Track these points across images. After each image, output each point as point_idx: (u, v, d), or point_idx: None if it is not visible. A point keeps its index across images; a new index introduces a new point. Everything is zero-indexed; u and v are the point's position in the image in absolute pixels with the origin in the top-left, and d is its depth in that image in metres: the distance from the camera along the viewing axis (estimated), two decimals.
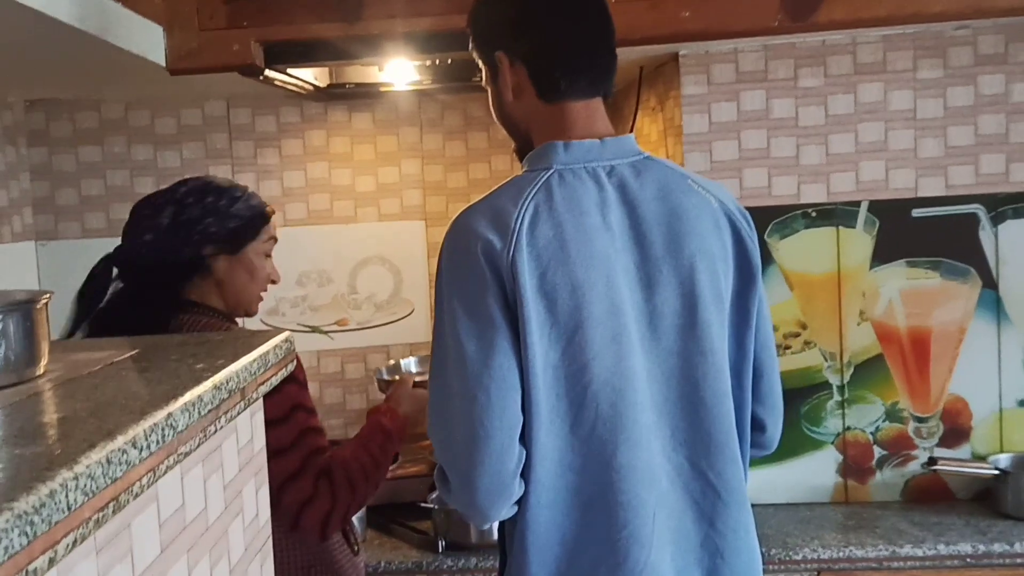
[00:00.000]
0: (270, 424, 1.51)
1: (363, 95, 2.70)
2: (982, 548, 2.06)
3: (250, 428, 1.09)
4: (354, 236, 2.80)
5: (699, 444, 1.37)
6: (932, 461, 2.27)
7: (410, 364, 2.47)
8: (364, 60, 2.29)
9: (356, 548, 1.79)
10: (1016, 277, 2.31)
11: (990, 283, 2.32)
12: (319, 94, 2.59)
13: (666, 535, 1.35)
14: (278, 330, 1.20)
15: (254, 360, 0.98)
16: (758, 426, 1.49)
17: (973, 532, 2.12)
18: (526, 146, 1.45)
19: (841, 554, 2.07)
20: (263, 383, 1.02)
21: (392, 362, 2.53)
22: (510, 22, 1.43)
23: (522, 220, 1.30)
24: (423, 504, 2.17)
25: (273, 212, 1.81)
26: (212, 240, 1.69)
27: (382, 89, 2.60)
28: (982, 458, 2.32)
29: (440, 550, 2.11)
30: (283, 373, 1.12)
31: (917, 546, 2.07)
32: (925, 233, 2.33)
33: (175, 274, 1.68)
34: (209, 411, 0.82)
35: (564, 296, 1.30)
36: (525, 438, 1.31)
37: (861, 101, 2.34)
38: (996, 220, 2.32)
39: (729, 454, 1.38)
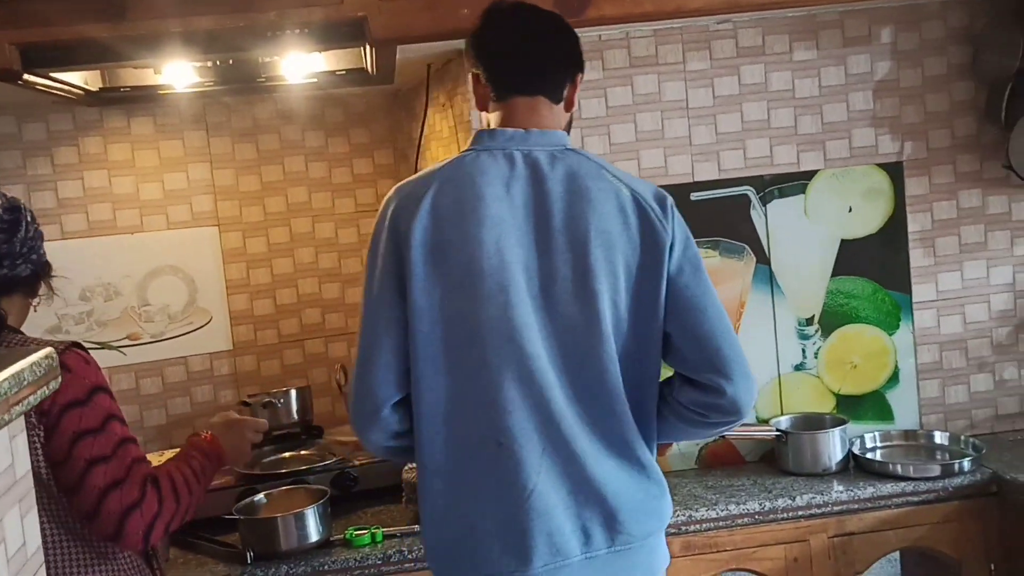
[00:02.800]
0: (86, 433, 1.51)
1: (141, 99, 2.58)
2: (768, 505, 2.21)
3: (9, 452, 1.02)
4: (142, 246, 2.68)
5: (587, 397, 1.54)
6: None
7: None
8: (135, 62, 2.20)
9: (158, 573, 1.72)
10: (784, 252, 2.50)
11: (763, 259, 2.49)
12: (92, 99, 2.46)
13: (559, 468, 1.51)
14: (40, 346, 1.16)
15: (5, 379, 0.93)
16: (716, 391, 1.60)
17: (760, 491, 2.28)
18: None
19: None
20: (17, 403, 0.96)
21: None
22: (473, 45, 1.69)
23: (429, 188, 1.52)
24: (228, 516, 2.10)
25: None
26: (43, 262, 1.68)
27: (161, 92, 2.49)
28: (765, 422, 2.49)
29: (249, 561, 2.06)
30: (44, 392, 1.06)
31: (711, 508, 2.20)
32: (703, 215, 2.47)
33: (5, 288, 1.61)
34: None
35: (455, 250, 1.49)
36: (412, 377, 1.51)
37: (638, 92, 2.45)
38: (765, 200, 2.49)
39: (609, 409, 1.55)
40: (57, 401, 1.50)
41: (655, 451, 1.63)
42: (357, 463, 2.41)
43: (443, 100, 2.65)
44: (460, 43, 2.31)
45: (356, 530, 2.14)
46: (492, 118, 1.66)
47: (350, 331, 3.01)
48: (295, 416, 2.67)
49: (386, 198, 1.59)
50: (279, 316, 2.87)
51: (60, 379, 1.11)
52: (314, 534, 2.08)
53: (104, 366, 2.61)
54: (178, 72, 2.37)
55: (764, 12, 2.34)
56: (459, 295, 1.49)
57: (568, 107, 1.68)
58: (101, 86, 2.44)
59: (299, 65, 2.46)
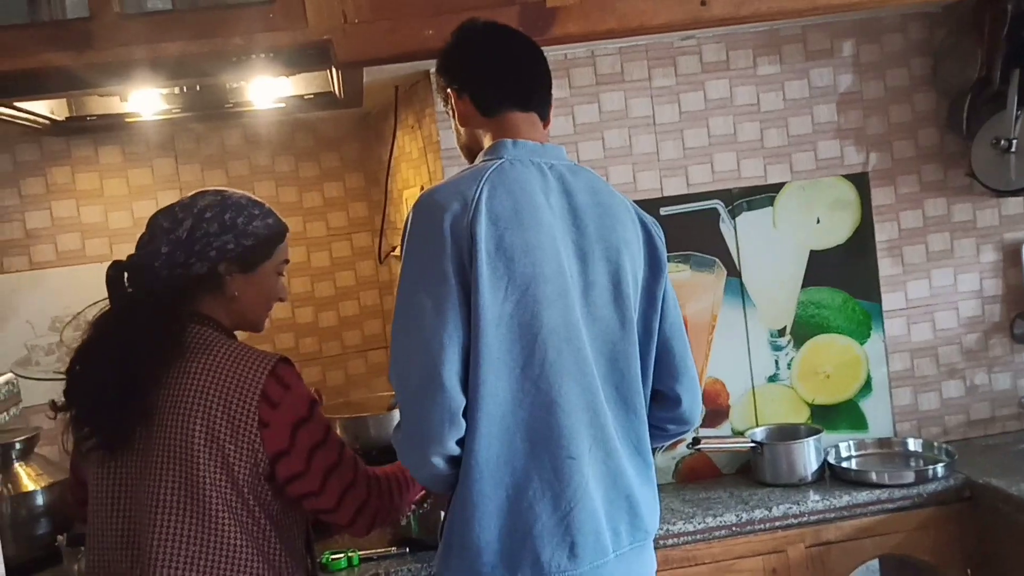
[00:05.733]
0: (318, 446, 1.64)
1: (108, 127, 2.57)
2: (745, 516, 2.21)
3: None
4: None
5: (617, 397, 1.63)
6: (696, 441, 2.42)
7: None
8: (102, 90, 2.19)
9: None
10: (754, 264, 2.51)
11: (733, 271, 2.51)
12: (59, 128, 2.45)
13: (601, 467, 1.58)
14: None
15: None
16: (674, 401, 1.73)
17: (737, 502, 2.28)
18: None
19: None
20: None
21: None
22: (453, 61, 1.72)
23: (480, 193, 1.52)
24: None
25: (288, 229, 1.80)
26: (227, 258, 1.68)
27: (128, 120, 2.49)
28: (741, 433, 2.50)
29: None
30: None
31: (688, 521, 2.20)
32: (673, 229, 2.47)
33: (187, 287, 1.67)
34: None
35: (519, 255, 1.51)
36: (473, 381, 1.49)
37: (605, 109, 2.47)
38: (734, 213, 2.51)
39: (633, 408, 1.65)
40: (285, 419, 1.60)
41: None
42: None
43: (412, 122, 2.66)
44: (427, 64, 2.33)
45: (332, 554, 2.12)
46: (483, 134, 1.68)
47: (324, 355, 3.00)
48: None
49: (425, 205, 1.54)
50: (253, 341, 2.85)
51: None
52: None
53: None
54: (145, 99, 2.37)
55: (727, 28, 2.37)
56: (524, 299, 1.51)
57: (545, 126, 1.73)
58: (68, 115, 2.43)
59: (267, 90, 2.46)
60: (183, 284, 1.66)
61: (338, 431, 2.52)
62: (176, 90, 2.36)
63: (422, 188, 2.58)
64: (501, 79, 1.68)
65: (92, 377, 1.62)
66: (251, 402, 1.58)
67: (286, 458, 1.61)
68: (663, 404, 1.74)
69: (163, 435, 1.58)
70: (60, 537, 2.16)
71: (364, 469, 1.73)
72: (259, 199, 1.77)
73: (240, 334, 1.79)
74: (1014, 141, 2.35)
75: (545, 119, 1.72)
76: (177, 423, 1.58)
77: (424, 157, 2.57)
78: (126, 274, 1.69)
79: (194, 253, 1.66)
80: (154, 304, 1.64)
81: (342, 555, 2.11)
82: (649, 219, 1.72)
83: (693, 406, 1.76)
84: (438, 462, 1.53)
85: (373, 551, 2.14)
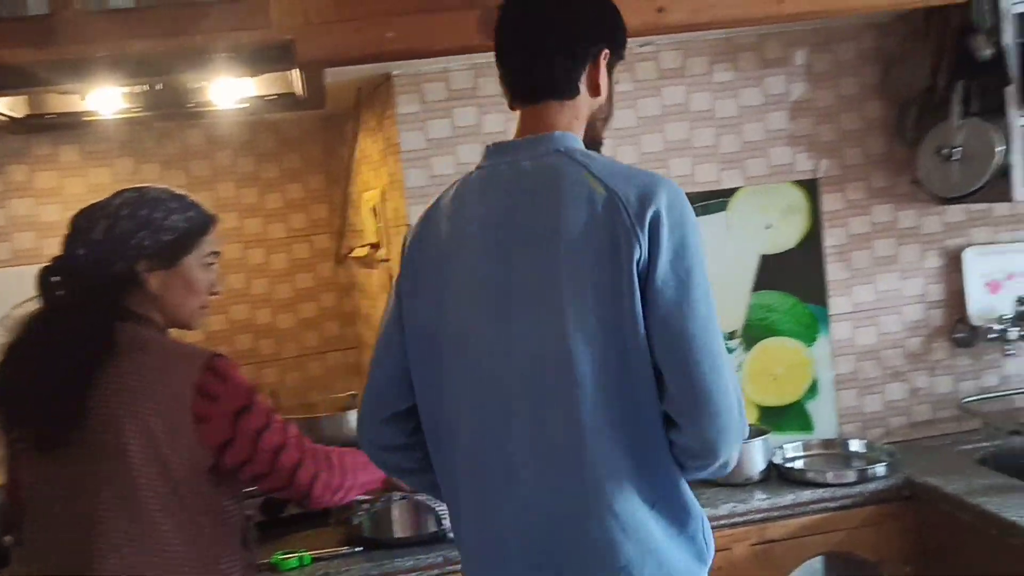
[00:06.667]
0: (262, 431, 1.67)
1: (68, 126, 2.57)
2: None
3: None
4: None
5: (562, 418, 1.39)
6: None
7: None
8: (63, 87, 2.20)
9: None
10: (708, 269, 2.56)
11: None
12: (17, 126, 2.44)
13: (507, 491, 1.45)
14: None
15: None
16: (681, 429, 1.39)
17: None
18: None
19: None
20: None
21: None
22: (496, 42, 1.58)
23: (426, 214, 1.57)
24: None
25: (215, 221, 1.78)
26: (145, 255, 1.67)
27: (88, 119, 2.48)
28: None
29: None
30: None
31: None
32: None
33: (112, 286, 1.66)
34: None
35: (431, 267, 1.52)
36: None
37: None
38: None
39: (578, 441, 1.38)
40: (225, 410, 1.62)
41: (667, 496, 1.44)
42: None
43: (373, 124, 2.68)
44: (388, 66, 2.36)
45: (283, 554, 2.13)
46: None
47: (282, 357, 3.02)
48: None
49: None
50: (209, 342, 2.86)
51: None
52: None
53: None
54: (105, 98, 2.36)
55: (685, 35, 2.42)
56: (431, 310, 1.51)
57: (594, 92, 1.53)
58: (27, 113, 2.42)
59: (229, 90, 2.47)
60: (107, 283, 1.65)
61: None
62: (137, 89, 2.36)
63: (382, 190, 2.61)
64: (512, 75, 1.55)
65: (21, 378, 1.61)
66: (184, 399, 1.58)
67: (231, 447, 1.63)
68: (678, 430, 1.41)
69: (97, 438, 1.57)
70: (8, 538, 2.15)
71: (312, 446, 1.77)
72: (181, 192, 1.75)
73: (195, 334, 1.80)
74: (957, 150, 2.42)
75: (571, 95, 1.51)
76: (111, 425, 1.57)
77: (385, 159, 2.60)
78: (55, 277, 1.68)
79: (113, 252, 1.65)
80: (81, 304, 1.64)
81: (294, 555, 2.13)
82: (629, 202, 1.39)
83: (703, 436, 1.38)
84: (373, 459, 1.64)
85: (325, 550, 2.16)
